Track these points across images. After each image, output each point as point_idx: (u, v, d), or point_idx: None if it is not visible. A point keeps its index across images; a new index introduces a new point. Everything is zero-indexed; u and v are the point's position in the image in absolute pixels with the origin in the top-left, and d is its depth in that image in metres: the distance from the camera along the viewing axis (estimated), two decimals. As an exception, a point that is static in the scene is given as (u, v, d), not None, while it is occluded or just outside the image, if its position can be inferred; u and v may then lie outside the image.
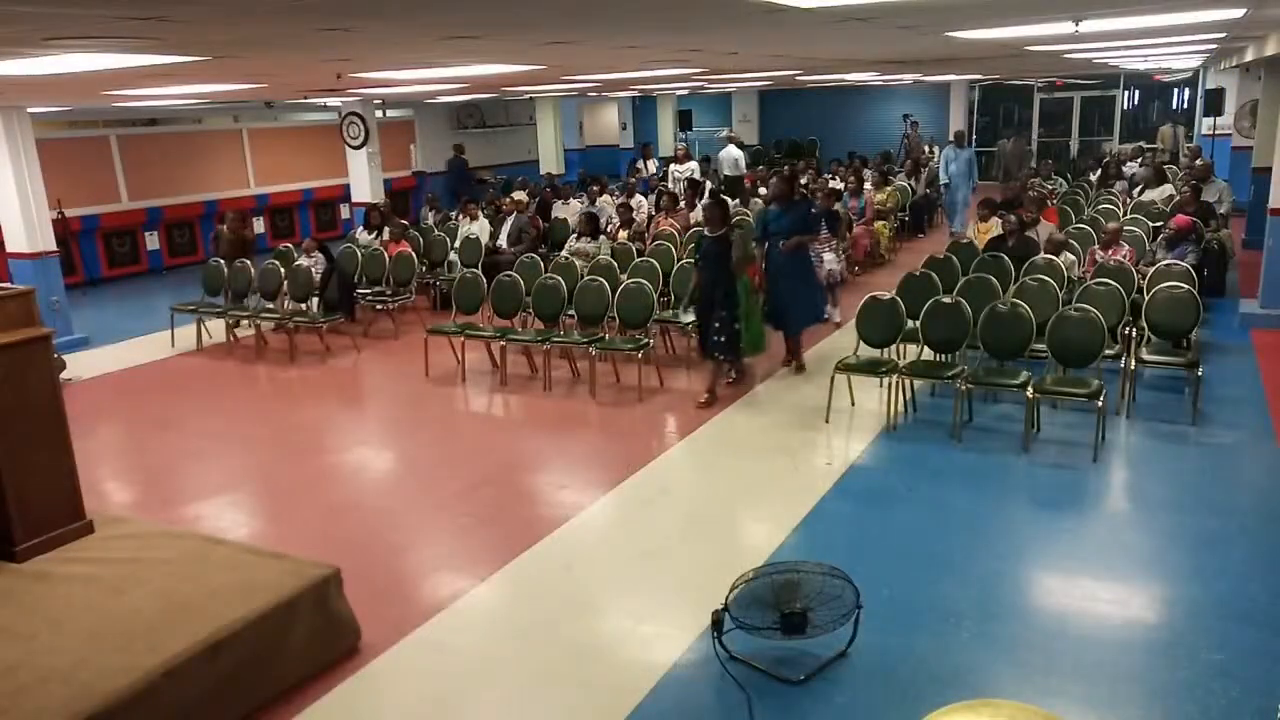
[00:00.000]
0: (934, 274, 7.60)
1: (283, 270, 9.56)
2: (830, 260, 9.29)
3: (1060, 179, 14.91)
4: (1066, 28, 5.84)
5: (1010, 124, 21.58)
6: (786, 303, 7.76)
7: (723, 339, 7.11)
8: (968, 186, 13.55)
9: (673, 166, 15.09)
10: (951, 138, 14.47)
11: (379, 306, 10.12)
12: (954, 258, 8.21)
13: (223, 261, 9.83)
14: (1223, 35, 8.32)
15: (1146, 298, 6.99)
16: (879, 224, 12.56)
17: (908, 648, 4.04)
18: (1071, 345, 6.30)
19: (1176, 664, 3.90)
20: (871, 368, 6.70)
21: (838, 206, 11.75)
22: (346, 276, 9.94)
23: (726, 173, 15.93)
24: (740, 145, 17.55)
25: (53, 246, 9.91)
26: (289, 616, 3.87)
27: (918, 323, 6.79)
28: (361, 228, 11.61)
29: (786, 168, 12.90)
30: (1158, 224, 9.56)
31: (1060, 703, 3.62)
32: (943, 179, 13.68)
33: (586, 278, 8.13)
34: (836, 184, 13.30)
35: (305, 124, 16.46)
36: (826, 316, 8.81)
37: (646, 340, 7.78)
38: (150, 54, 4.70)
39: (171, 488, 6.21)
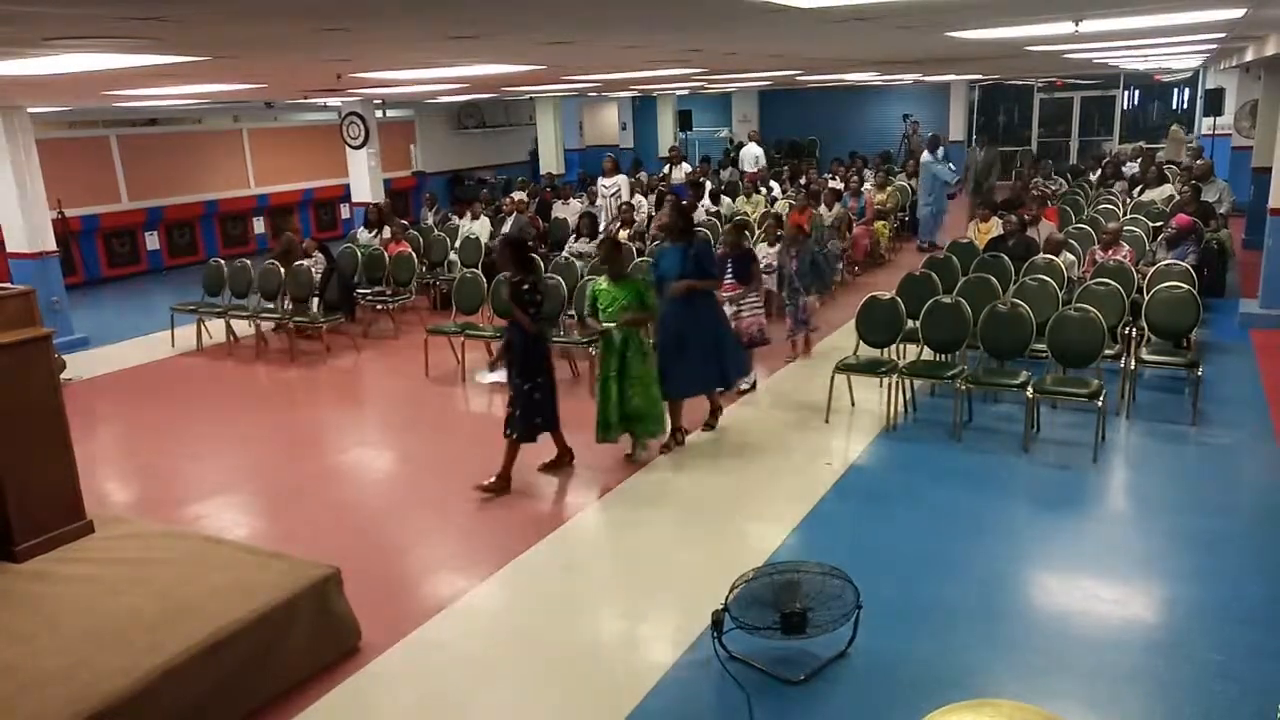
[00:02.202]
0: (934, 274, 7.59)
1: (283, 270, 9.55)
2: (743, 314, 7.28)
3: (1060, 179, 14.90)
4: (1066, 28, 5.84)
5: (990, 129, 21.39)
6: (672, 360, 6.26)
7: (515, 411, 5.73)
8: (943, 197, 13.49)
9: (601, 182, 12.50)
10: (927, 143, 13.90)
11: (379, 306, 10.12)
12: (954, 258, 8.21)
13: (278, 263, 9.60)
14: (1223, 35, 8.31)
15: (1146, 298, 6.98)
16: (879, 224, 12.57)
17: (908, 648, 4.04)
18: (1071, 345, 6.30)
19: (1177, 664, 3.90)
20: (871, 368, 6.70)
21: (838, 206, 11.78)
22: (346, 276, 9.93)
23: (747, 169, 16.09)
24: (760, 143, 17.58)
25: (52, 246, 9.91)
26: (289, 617, 3.87)
27: (918, 323, 6.79)
28: (361, 227, 11.61)
29: (682, 195, 11.43)
30: (1157, 224, 9.56)
31: (1061, 703, 3.62)
32: (949, 178, 13.37)
33: (586, 277, 8.12)
34: (836, 184, 13.30)
35: (305, 124, 16.45)
36: (737, 384, 7.06)
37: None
38: (149, 54, 4.70)
39: (171, 488, 6.20)
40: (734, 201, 13.06)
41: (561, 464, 6.13)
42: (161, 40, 4.11)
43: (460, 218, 12.32)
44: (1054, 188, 13.76)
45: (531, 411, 5.76)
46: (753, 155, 16.61)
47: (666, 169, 14.71)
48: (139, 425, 7.62)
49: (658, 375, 6.19)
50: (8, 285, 4.57)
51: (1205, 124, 16.82)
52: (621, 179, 12.44)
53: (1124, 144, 19.80)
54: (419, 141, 18.54)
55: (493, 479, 5.77)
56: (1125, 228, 8.85)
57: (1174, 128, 17.48)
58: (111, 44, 4.19)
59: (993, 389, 6.75)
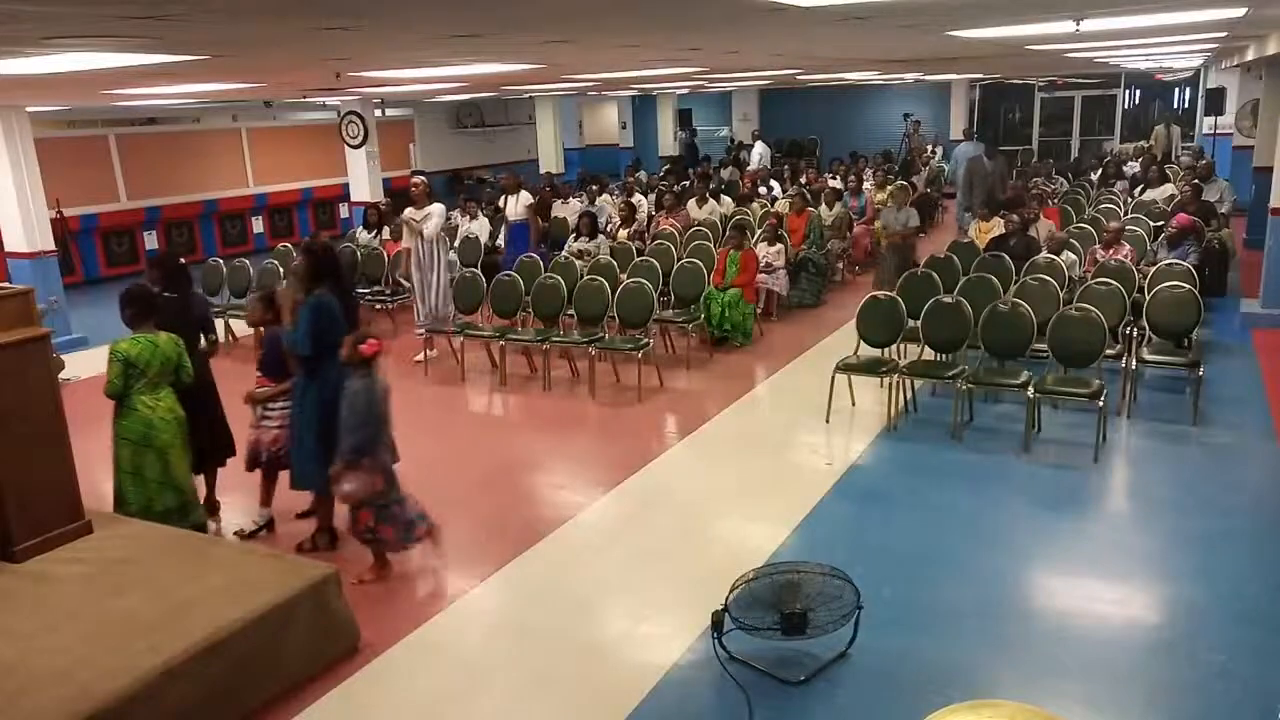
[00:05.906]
0: (935, 273, 7.58)
1: (281, 270, 9.53)
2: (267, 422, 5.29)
3: (1061, 178, 14.89)
4: (1067, 27, 5.83)
5: (991, 128, 21.38)
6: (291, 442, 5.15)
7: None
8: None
9: (408, 212, 8.46)
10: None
11: (378, 306, 10.10)
12: (955, 257, 8.20)
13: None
14: (1224, 35, 8.30)
15: (1147, 297, 6.97)
16: (879, 223, 12.54)
17: (908, 648, 4.03)
18: (1072, 345, 6.28)
19: (1178, 664, 3.89)
20: (872, 368, 6.69)
21: (838, 206, 11.76)
22: (345, 276, 9.89)
23: (757, 165, 16.83)
24: (767, 142, 18.64)
25: (51, 246, 9.89)
26: (287, 617, 3.86)
27: (918, 322, 6.78)
28: (361, 227, 11.59)
29: (524, 234, 10.16)
30: (1159, 223, 9.55)
31: (1062, 703, 3.61)
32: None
33: (586, 277, 8.12)
34: (836, 183, 13.28)
35: (304, 123, 16.43)
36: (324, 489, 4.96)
37: (646, 340, 7.76)
38: (149, 53, 4.69)
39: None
40: (734, 201, 13.03)
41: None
42: (161, 39, 4.10)
43: (464, 216, 12.27)
44: (1054, 187, 13.75)
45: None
46: (765, 152, 17.70)
47: (502, 200, 10.99)
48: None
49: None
50: (6, 285, 4.57)
51: (1206, 123, 16.81)
52: (438, 207, 8.43)
53: (1125, 143, 19.78)
54: (418, 140, 18.53)
55: None
56: (1126, 227, 8.84)
57: (1156, 129, 17.52)
58: (111, 43, 4.18)
59: (993, 389, 6.73)
